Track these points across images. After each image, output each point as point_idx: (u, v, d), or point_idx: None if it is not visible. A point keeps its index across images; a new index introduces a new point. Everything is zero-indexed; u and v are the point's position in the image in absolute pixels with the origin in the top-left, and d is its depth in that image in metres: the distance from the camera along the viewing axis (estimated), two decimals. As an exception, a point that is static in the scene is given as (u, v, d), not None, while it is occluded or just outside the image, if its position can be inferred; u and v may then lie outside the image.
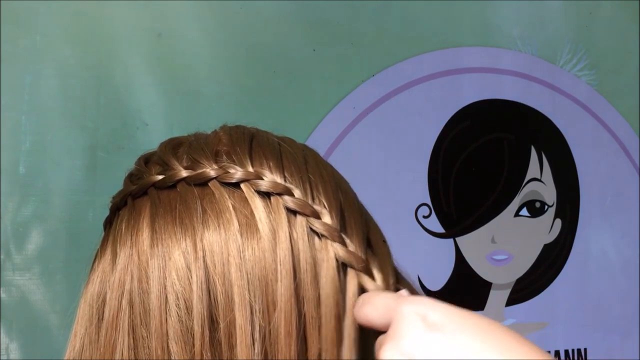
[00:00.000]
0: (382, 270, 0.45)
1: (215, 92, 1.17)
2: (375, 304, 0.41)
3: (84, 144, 1.08)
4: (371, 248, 0.46)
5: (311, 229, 0.44)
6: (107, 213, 0.51)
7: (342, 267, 0.44)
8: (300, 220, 0.44)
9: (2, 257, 1.03)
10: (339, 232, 0.45)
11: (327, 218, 0.45)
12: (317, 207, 0.45)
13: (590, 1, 1.50)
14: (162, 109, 1.13)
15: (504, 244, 1.41)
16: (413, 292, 0.47)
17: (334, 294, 0.43)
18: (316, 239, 0.44)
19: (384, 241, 0.49)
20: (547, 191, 1.45)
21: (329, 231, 0.44)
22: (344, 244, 0.44)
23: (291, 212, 0.45)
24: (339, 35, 1.26)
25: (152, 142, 0.54)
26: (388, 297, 0.41)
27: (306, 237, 0.44)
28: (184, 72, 1.15)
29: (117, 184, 0.52)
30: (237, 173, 0.46)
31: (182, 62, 1.15)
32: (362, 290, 0.44)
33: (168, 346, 0.42)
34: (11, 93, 1.04)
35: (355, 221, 0.46)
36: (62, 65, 1.07)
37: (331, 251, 0.44)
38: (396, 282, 0.45)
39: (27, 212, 1.05)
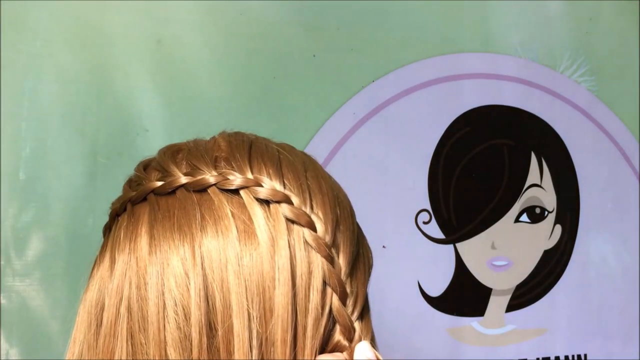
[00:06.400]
0: (356, 301, 0.45)
1: (215, 98, 1.17)
2: None
3: (84, 150, 1.08)
4: (354, 273, 0.46)
5: (305, 239, 0.44)
6: (106, 219, 0.51)
7: (323, 283, 0.44)
8: (297, 228, 0.44)
9: (2, 263, 1.03)
10: (329, 248, 0.45)
11: (321, 231, 0.45)
12: (313, 218, 0.45)
13: (591, 7, 1.50)
14: (162, 115, 1.13)
15: (504, 249, 1.40)
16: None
17: (318, 307, 0.44)
18: (311, 248, 0.44)
19: (369, 266, 0.49)
20: (547, 197, 1.45)
21: (319, 245, 0.44)
22: (331, 261, 0.45)
23: (289, 220, 0.45)
24: (339, 41, 1.26)
25: (152, 148, 0.54)
26: None
27: (303, 246, 0.44)
28: (183, 78, 1.15)
29: (117, 190, 0.52)
30: (236, 180, 0.46)
31: (182, 68, 1.15)
32: (330, 312, 0.44)
33: (166, 353, 0.42)
34: (11, 99, 1.04)
35: (347, 239, 0.46)
36: (62, 71, 1.07)
37: (320, 265, 0.44)
38: (362, 314, 0.46)
39: (27, 218, 1.05)
